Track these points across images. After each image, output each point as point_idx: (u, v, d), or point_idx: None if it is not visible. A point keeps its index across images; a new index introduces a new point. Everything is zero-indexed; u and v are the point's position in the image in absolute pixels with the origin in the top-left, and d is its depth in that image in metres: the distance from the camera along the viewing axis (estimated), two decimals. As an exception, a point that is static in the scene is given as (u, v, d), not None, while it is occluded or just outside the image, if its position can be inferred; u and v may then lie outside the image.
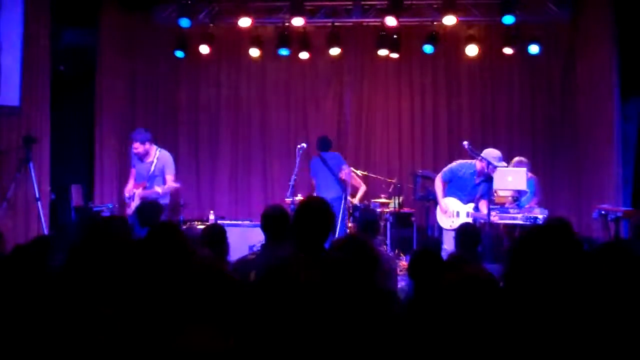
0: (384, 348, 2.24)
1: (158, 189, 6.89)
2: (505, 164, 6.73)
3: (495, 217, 6.55)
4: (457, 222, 6.75)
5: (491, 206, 6.77)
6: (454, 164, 7.05)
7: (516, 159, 7.66)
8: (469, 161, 6.96)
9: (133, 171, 7.22)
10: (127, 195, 7.14)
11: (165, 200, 6.93)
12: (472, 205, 6.80)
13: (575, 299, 2.09)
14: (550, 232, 2.22)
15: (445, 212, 6.81)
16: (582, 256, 2.16)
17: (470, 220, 6.73)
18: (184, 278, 2.26)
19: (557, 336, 2.01)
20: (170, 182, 7.02)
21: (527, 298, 2.09)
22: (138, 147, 7.00)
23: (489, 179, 6.70)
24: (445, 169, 7.07)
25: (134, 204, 6.89)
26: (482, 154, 6.70)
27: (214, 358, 2.01)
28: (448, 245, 6.49)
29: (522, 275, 2.15)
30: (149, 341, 2.05)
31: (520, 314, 2.05)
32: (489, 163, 6.63)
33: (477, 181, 6.79)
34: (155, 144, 7.20)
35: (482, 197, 6.80)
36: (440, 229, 7.11)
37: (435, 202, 7.24)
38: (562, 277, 2.11)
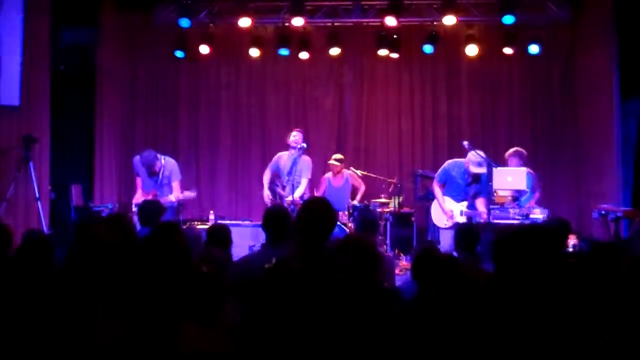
0: (384, 347, 2.24)
1: (172, 198, 7.09)
2: (484, 170, 6.71)
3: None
4: (450, 222, 6.76)
5: (491, 206, 6.78)
6: (445, 164, 7.09)
7: (513, 149, 7.66)
8: (460, 160, 6.97)
9: (139, 180, 7.44)
10: (134, 203, 7.28)
11: (173, 203, 7.21)
12: (465, 203, 6.80)
13: (564, 299, 2.09)
14: (526, 237, 2.23)
15: (451, 216, 6.79)
16: (562, 258, 2.17)
17: (464, 218, 6.74)
18: (182, 279, 2.27)
19: (552, 336, 2.01)
20: (178, 189, 7.22)
21: (513, 297, 2.09)
22: (157, 166, 7.19)
23: (476, 179, 6.73)
24: (438, 171, 7.09)
25: None
26: (468, 156, 6.76)
27: (212, 359, 2.01)
28: (445, 243, 6.51)
29: (507, 275, 2.15)
30: (148, 341, 2.05)
31: (510, 313, 2.05)
32: (470, 165, 6.74)
33: (469, 180, 6.81)
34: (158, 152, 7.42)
35: (477, 194, 6.80)
36: (438, 228, 7.11)
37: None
38: (547, 276, 2.11)
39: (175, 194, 7.19)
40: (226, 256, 4.17)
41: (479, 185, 6.78)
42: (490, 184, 6.63)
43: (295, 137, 7.90)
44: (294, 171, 7.54)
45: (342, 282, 2.55)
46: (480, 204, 6.74)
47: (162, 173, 7.23)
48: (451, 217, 6.78)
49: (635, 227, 6.76)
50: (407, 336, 2.15)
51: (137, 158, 7.45)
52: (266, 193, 7.78)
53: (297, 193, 7.47)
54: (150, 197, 7.13)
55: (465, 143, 6.94)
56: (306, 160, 7.82)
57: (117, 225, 3.22)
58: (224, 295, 2.28)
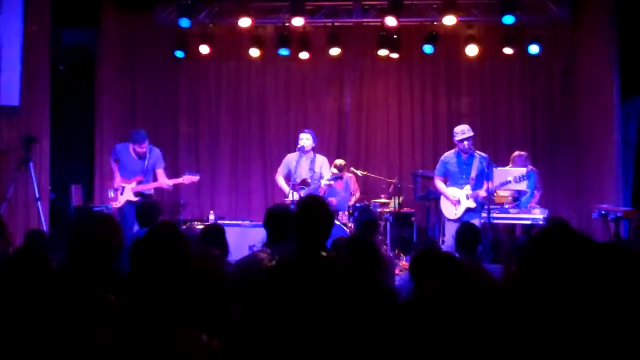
0: (382, 347, 2.24)
1: (168, 182, 7.31)
2: (472, 133, 6.79)
3: (493, 189, 6.68)
4: (460, 209, 6.77)
5: (491, 206, 6.79)
6: (441, 158, 7.10)
7: (515, 153, 7.77)
8: (450, 151, 7.06)
9: (115, 167, 7.41)
10: (116, 187, 7.31)
11: (150, 191, 7.36)
12: (468, 186, 6.81)
13: (583, 300, 2.09)
14: (559, 234, 2.22)
15: (457, 203, 6.83)
16: (591, 253, 2.15)
17: (471, 201, 6.75)
18: (181, 279, 2.26)
19: (561, 337, 2.01)
20: (164, 175, 7.35)
21: (535, 299, 2.09)
22: (145, 147, 7.25)
23: (469, 156, 6.77)
24: (436, 167, 7.12)
25: (124, 198, 7.21)
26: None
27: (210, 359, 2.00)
28: (449, 237, 6.52)
29: (533, 276, 2.14)
30: (145, 341, 2.05)
31: (526, 314, 2.05)
32: (454, 138, 6.83)
33: (465, 157, 6.84)
34: None
35: (481, 176, 6.82)
36: (443, 224, 7.11)
37: (436, 202, 7.25)
38: (572, 278, 2.10)
39: (162, 180, 7.30)
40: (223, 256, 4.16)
41: (480, 168, 6.81)
42: (488, 170, 6.69)
43: (304, 140, 7.47)
44: (314, 176, 7.43)
45: (341, 281, 2.55)
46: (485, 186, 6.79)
47: (148, 159, 7.29)
48: (458, 202, 6.80)
49: (636, 227, 6.76)
50: (403, 336, 2.15)
51: (119, 145, 7.53)
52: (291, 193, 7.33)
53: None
54: (134, 183, 7.23)
55: (465, 143, 6.95)
56: (322, 160, 7.55)
57: (105, 226, 3.22)
58: (222, 295, 2.27)
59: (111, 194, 7.32)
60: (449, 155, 6.99)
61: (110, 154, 9.21)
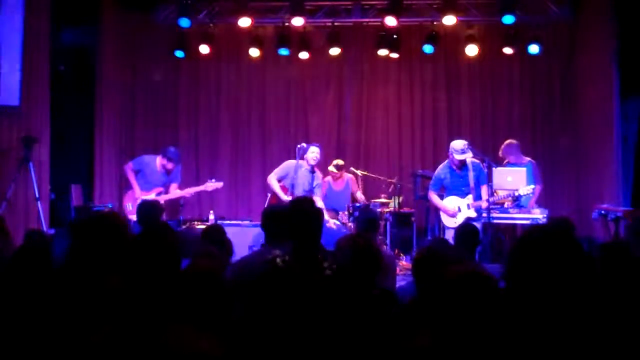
0: (379, 348, 2.24)
1: (190, 191, 7.68)
2: (471, 153, 6.77)
3: (494, 198, 6.73)
4: (460, 217, 6.77)
5: (491, 206, 6.79)
6: (435, 174, 7.13)
7: (506, 142, 7.83)
8: (444, 162, 7.08)
9: (133, 176, 7.53)
10: (137, 197, 7.33)
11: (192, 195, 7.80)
12: (470, 196, 6.81)
13: (576, 300, 2.09)
14: (551, 232, 2.22)
15: (454, 215, 6.83)
16: (583, 257, 2.16)
17: (472, 210, 6.75)
18: (172, 278, 2.26)
19: (557, 336, 2.01)
20: (177, 189, 7.62)
21: (528, 298, 2.09)
22: (172, 167, 7.53)
23: (463, 167, 6.77)
24: (430, 182, 7.15)
25: None
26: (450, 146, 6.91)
27: (201, 359, 2.00)
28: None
29: (523, 275, 2.14)
30: (137, 339, 2.05)
31: (521, 313, 2.05)
32: (452, 154, 6.82)
33: (458, 171, 6.85)
34: None
35: (478, 184, 6.81)
36: (443, 229, 7.12)
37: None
38: (563, 277, 2.10)
39: (181, 191, 7.57)
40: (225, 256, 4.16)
41: (476, 174, 6.80)
42: (485, 170, 6.69)
43: (315, 153, 7.38)
44: (310, 187, 7.33)
45: (335, 281, 2.55)
46: (484, 191, 6.78)
47: (171, 174, 7.57)
48: (458, 210, 6.79)
49: (631, 227, 6.75)
50: (403, 337, 2.15)
51: (147, 157, 7.69)
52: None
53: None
54: (154, 194, 7.38)
55: (465, 143, 6.95)
56: (320, 177, 7.56)
57: (110, 224, 3.22)
58: (221, 294, 2.27)
59: (130, 207, 7.36)
60: (442, 170, 7.00)
61: (110, 154, 9.20)
